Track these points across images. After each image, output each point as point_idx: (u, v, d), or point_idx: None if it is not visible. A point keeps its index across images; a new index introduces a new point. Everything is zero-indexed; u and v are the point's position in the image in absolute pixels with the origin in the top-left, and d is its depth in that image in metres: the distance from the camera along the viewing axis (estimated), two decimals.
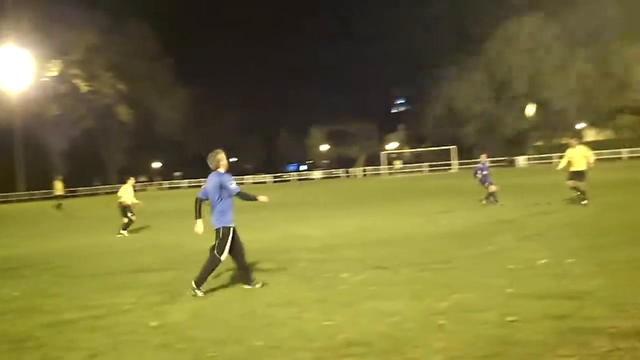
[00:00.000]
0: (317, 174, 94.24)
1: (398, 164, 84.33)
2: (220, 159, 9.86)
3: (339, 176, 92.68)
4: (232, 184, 9.73)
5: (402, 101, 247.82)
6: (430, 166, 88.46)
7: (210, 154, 9.99)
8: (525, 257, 10.54)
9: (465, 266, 10.25)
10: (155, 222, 25.71)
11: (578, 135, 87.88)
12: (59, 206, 37.11)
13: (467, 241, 13.39)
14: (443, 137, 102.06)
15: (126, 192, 21.15)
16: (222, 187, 9.61)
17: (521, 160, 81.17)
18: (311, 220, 21.55)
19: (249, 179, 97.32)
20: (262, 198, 10.42)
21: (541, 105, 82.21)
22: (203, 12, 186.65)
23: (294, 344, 6.64)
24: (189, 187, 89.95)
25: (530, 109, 26.17)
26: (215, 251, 9.57)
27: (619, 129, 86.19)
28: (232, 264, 10.20)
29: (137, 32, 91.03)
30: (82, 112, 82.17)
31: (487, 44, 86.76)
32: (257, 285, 9.71)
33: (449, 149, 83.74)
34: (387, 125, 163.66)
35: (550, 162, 77.24)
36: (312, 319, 7.56)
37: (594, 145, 76.26)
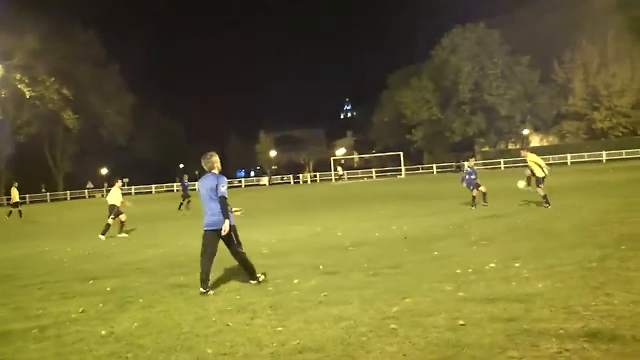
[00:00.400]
0: (265, 180, 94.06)
1: (340, 171, 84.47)
2: (215, 161, 10.11)
3: (288, 182, 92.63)
4: (224, 187, 9.87)
5: (350, 107, 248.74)
6: (379, 172, 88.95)
7: (204, 156, 10.16)
8: (475, 261, 10.64)
9: (416, 271, 10.32)
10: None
11: (526, 143, 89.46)
12: (9, 213, 37.25)
13: (416, 246, 13.49)
14: (391, 142, 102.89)
15: (115, 195, 21.24)
16: (217, 187, 9.78)
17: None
18: (261, 226, 21.48)
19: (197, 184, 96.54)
20: (237, 211, 10.97)
21: (487, 112, 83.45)
22: (150, 18, 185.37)
23: (246, 351, 6.59)
24: (137, 193, 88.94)
25: (521, 184, 26.65)
26: (238, 248, 10.27)
27: (563, 134, 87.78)
28: (182, 272, 10.09)
29: (82, 37, 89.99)
30: (26, 117, 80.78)
31: (434, 52, 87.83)
32: (210, 293, 9.70)
33: (398, 154, 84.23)
34: (335, 131, 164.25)
35: (498, 167, 78.40)
36: (264, 325, 7.52)
37: (539, 151, 77.67)
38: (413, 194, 36.40)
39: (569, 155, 75.06)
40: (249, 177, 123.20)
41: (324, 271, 10.90)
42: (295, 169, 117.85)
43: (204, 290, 9.68)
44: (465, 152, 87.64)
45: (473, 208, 22.18)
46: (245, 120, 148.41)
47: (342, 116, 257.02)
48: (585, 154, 75.16)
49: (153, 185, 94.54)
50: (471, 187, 23.30)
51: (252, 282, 10.20)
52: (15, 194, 38.39)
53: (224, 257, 10.65)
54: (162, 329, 7.73)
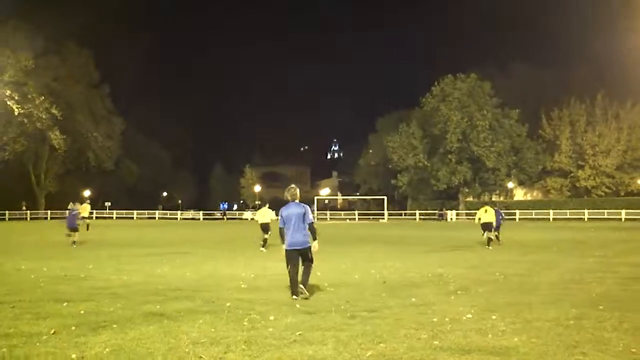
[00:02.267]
0: (248, 215, 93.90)
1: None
2: (298, 193, 12.69)
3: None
4: (312, 215, 12.41)
5: (337, 147, 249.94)
6: (362, 214, 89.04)
7: (289, 188, 12.76)
8: (452, 311, 10.63)
9: (392, 316, 10.29)
10: (82, 252, 25.18)
11: (510, 196, 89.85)
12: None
13: (395, 291, 13.47)
14: (376, 186, 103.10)
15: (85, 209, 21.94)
16: (305, 214, 12.19)
17: (452, 215, 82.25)
18: (239, 259, 21.40)
19: (176, 214, 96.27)
20: (315, 245, 12.68)
21: (473, 162, 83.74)
22: (143, 45, 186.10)
23: None
24: (118, 218, 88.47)
25: (487, 234, 29.51)
26: (311, 262, 12.61)
27: (547, 190, 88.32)
28: (158, 301, 10.01)
29: (75, 58, 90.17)
30: (13, 134, 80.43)
31: (424, 99, 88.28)
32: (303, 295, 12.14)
33: (382, 198, 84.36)
34: (321, 171, 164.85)
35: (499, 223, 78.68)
36: (237, 359, 7.47)
37: (522, 205, 77.76)
38: (394, 239, 36.43)
39: (551, 212, 75.52)
40: (232, 210, 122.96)
41: (301, 310, 10.85)
42: (280, 206, 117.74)
43: (294, 297, 12.01)
44: (450, 200, 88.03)
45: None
46: (232, 152, 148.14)
47: (328, 156, 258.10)
48: (568, 211, 75.67)
49: (135, 212, 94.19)
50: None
51: (302, 287, 12.21)
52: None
53: (194, 291, 10.58)
54: (134, 356, 7.65)
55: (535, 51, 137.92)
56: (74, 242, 28.43)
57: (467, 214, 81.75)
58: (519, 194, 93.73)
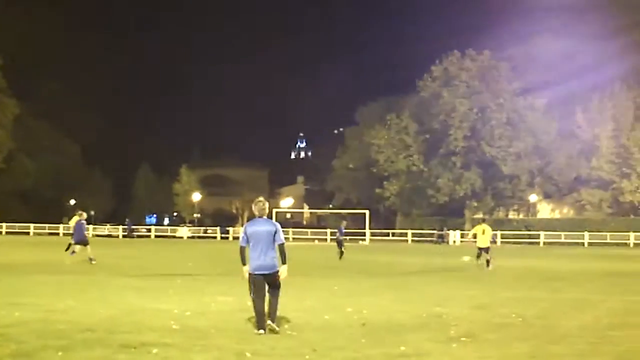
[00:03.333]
0: (184, 231, 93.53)
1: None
2: (267, 208, 13.58)
3: (214, 237, 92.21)
4: (282, 234, 13.42)
5: (304, 144, 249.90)
6: (334, 234, 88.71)
7: (259, 202, 13.60)
8: None
9: None
10: None
11: (532, 212, 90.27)
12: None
13: (378, 336, 13.45)
14: (355, 196, 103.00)
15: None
16: (276, 233, 13.18)
17: (456, 236, 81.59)
18: (169, 291, 21.28)
19: (88, 228, 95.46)
20: (284, 270, 13.50)
21: (484, 167, 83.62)
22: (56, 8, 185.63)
23: None
24: (8, 233, 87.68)
25: (466, 257, 31.95)
26: (279, 289, 13.49)
27: (581, 206, 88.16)
28: (60, 346, 9.91)
29: None
30: None
31: (421, 82, 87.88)
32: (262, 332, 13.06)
33: (362, 213, 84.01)
34: (283, 175, 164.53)
35: (493, 242, 78.83)
36: None
37: (548, 225, 77.67)
38: (379, 266, 36.48)
39: (586, 234, 75.79)
40: (162, 224, 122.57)
41: None
42: (225, 220, 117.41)
43: (261, 332, 12.99)
44: (452, 217, 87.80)
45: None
46: (163, 148, 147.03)
47: (292, 155, 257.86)
48: (608, 233, 75.89)
49: (32, 225, 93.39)
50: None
51: (270, 322, 13.19)
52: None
53: (109, 333, 10.50)
54: None
55: (567, 24, 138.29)
56: (90, 259, 33.33)
57: (475, 236, 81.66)
58: (544, 210, 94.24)
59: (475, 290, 22.85)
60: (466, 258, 39.01)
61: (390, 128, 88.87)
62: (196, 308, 17.38)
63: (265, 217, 13.53)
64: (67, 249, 36.08)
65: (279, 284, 13.44)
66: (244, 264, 13.42)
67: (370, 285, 24.85)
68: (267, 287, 13.26)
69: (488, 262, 33.77)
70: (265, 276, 13.14)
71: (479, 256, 34.87)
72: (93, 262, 33.08)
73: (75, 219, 42.88)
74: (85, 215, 36.30)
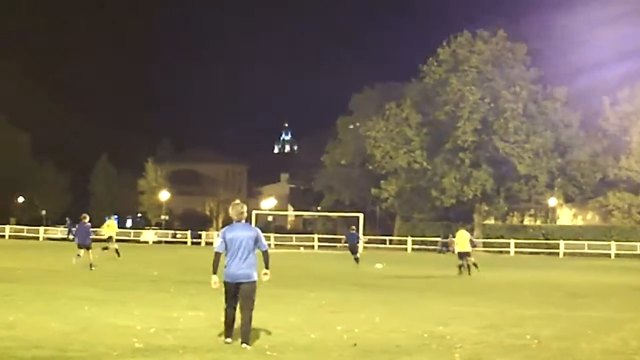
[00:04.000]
0: (149, 235, 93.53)
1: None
2: (245, 212, 14.21)
3: (184, 242, 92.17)
4: (264, 239, 14.03)
5: (290, 136, 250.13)
6: (325, 240, 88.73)
7: (237, 205, 14.15)
8: None
9: None
10: None
11: (552, 218, 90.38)
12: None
13: (372, 359, 13.51)
14: (348, 197, 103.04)
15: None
16: (257, 240, 13.67)
17: None
18: (131, 304, 21.27)
19: (39, 231, 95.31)
20: (267, 273, 14.20)
21: (497, 166, 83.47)
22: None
23: None
24: None
25: (379, 265, 33.90)
26: (253, 304, 13.69)
27: (608, 211, 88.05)
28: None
29: None
30: None
31: (425, 67, 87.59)
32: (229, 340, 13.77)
33: (356, 217, 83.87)
34: (264, 172, 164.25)
35: (506, 250, 79.00)
36: None
37: (569, 233, 77.68)
38: (373, 278, 36.53)
39: (613, 244, 75.84)
40: (125, 228, 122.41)
41: None
42: (197, 223, 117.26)
43: (229, 341, 13.71)
44: (459, 223, 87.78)
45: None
46: (126, 138, 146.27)
47: (276, 149, 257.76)
48: (638, 243, 75.81)
49: None
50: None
51: (245, 346, 13.47)
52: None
53: (62, 351, 10.51)
54: None
55: (594, 2, 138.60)
56: (91, 265, 35.99)
57: (485, 245, 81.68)
58: (566, 216, 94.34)
59: (483, 306, 22.90)
60: (379, 265, 41.55)
61: (389, 119, 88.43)
62: (162, 324, 17.39)
63: (244, 221, 13.97)
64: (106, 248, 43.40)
65: (254, 296, 13.71)
66: (214, 272, 13.80)
67: (363, 300, 24.89)
68: (239, 300, 13.66)
69: (472, 266, 38.16)
70: (241, 286, 13.48)
71: (460, 266, 38.67)
72: (93, 269, 35.51)
73: (110, 223, 47.43)
74: (88, 217, 38.89)
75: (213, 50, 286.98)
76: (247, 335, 13.59)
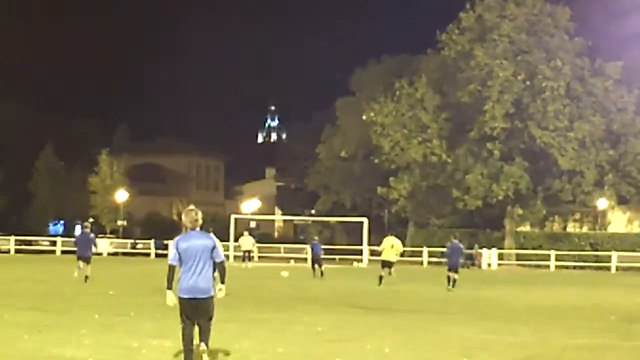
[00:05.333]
0: (103, 245, 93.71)
1: (247, 243, 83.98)
2: (200, 218, 14.67)
3: (146, 253, 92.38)
4: (222, 249, 14.82)
5: (277, 124, 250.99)
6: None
7: (192, 211, 14.71)
8: None
9: None
10: None
11: (602, 222, 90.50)
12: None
13: None
14: (349, 198, 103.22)
15: None
16: (214, 249, 14.46)
17: (492, 256, 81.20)
18: (82, 331, 21.27)
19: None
20: (223, 289, 14.90)
21: (533, 159, 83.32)
22: None
23: None
24: None
25: (285, 273, 35.30)
26: (211, 319, 14.63)
27: None
28: None
29: None
30: None
31: (444, 35, 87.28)
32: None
33: (359, 222, 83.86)
34: (245, 167, 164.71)
35: (545, 264, 79.01)
36: None
37: (624, 242, 77.93)
38: (382, 300, 36.61)
39: None
40: (72, 235, 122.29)
41: None
42: (163, 230, 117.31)
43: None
44: (488, 230, 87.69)
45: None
46: (75, 125, 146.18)
47: (260, 139, 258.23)
48: None
49: None
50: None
51: (203, 346, 14.46)
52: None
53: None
54: None
55: None
56: (86, 277, 38.52)
57: (518, 257, 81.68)
58: (618, 222, 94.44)
59: (520, 334, 22.93)
60: (284, 273, 43.26)
61: (399, 100, 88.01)
62: (120, 355, 17.40)
63: (198, 229, 14.61)
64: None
65: (213, 312, 14.62)
66: (169, 287, 14.65)
67: (369, 326, 24.90)
68: (197, 318, 14.44)
69: (388, 275, 41.50)
70: (198, 301, 14.23)
71: (381, 277, 42.59)
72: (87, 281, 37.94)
73: None
74: (89, 226, 41.19)
75: (181, 13, 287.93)
76: (207, 340, 14.47)
